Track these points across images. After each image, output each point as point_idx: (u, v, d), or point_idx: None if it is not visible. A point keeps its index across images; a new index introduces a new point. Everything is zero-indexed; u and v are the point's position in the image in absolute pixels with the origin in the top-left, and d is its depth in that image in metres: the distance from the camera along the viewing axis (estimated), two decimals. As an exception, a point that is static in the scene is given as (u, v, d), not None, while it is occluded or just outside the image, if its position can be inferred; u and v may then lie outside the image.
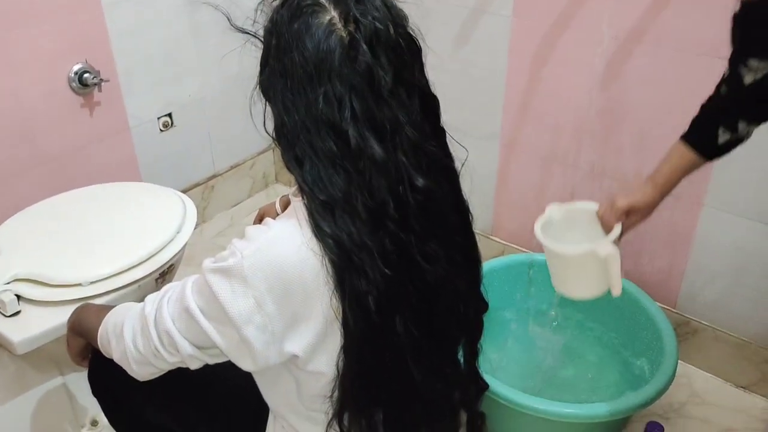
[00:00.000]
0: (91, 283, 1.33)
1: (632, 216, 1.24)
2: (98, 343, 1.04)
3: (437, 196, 0.87)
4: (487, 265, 1.75)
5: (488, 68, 1.79)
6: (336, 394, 0.90)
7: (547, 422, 1.40)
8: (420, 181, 0.84)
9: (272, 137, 0.87)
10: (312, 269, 0.82)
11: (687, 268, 1.70)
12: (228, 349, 0.86)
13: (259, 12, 0.89)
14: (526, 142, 1.83)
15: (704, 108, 1.15)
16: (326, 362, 0.88)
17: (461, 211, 0.96)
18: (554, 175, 1.81)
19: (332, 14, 0.81)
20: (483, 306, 1.05)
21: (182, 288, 0.90)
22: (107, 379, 1.13)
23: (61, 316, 1.25)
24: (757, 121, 1.09)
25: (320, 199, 0.81)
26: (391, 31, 0.82)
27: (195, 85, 2.10)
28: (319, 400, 0.93)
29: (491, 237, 2.02)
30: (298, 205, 0.86)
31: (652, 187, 1.21)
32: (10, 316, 1.28)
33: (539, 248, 2.02)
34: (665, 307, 1.72)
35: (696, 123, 1.16)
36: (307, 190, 0.82)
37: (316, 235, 0.82)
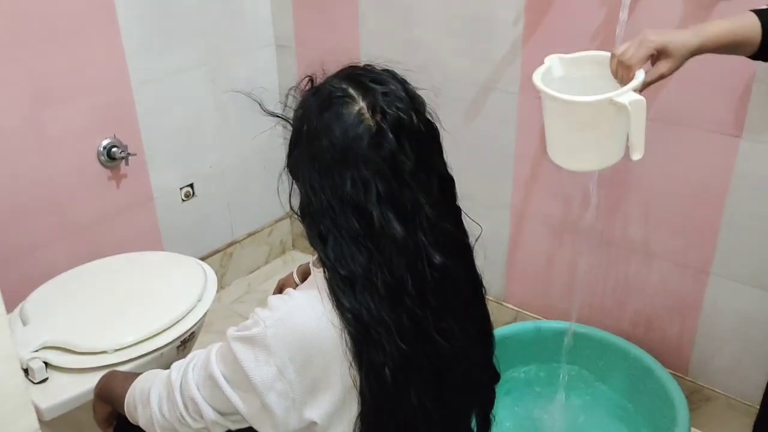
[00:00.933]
0: (116, 350, 1.37)
1: (661, 60, 1.03)
2: (125, 409, 1.08)
3: (453, 272, 0.91)
4: (498, 332, 1.77)
5: (498, 141, 1.86)
6: None
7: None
8: (438, 259, 0.89)
9: (297, 215, 0.92)
10: (331, 340, 0.86)
11: (697, 335, 1.72)
12: (250, 416, 0.90)
13: (289, 97, 0.96)
14: (536, 212, 1.88)
15: None
16: (344, 430, 0.91)
17: (475, 285, 1.00)
18: (564, 243, 1.86)
19: (361, 105, 0.87)
20: (495, 377, 1.09)
21: (207, 356, 0.94)
22: (131, 445, 1.16)
23: (87, 383, 1.30)
24: None
25: (342, 274, 0.86)
26: (414, 119, 0.88)
27: (215, 157, 2.19)
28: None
29: (503, 303, 2.05)
30: (318, 276, 0.91)
31: (694, 33, 1.02)
32: (38, 383, 1.32)
33: (550, 314, 2.06)
34: (677, 374, 1.73)
35: None
36: (329, 265, 0.87)
37: (336, 308, 0.87)
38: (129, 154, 1.86)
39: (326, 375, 0.87)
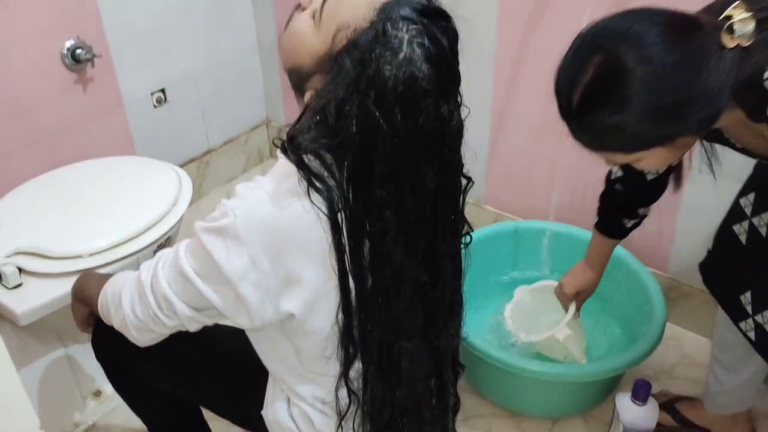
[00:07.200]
0: (91, 254, 1.35)
1: (581, 295, 1.49)
2: (99, 311, 1.07)
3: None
4: (479, 233, 1.77)
5: (478, 38, 1.80)
6: (340, 352, 0.92)
7: (538, 382, 1.44)
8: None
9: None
10: (305, 229, 0.84)
11: (676, 233, 1.73)
12: (225, 308, 0.89)
13: None
14: (516, 111, 1.85)
15: (605, 202, 1.36)
16: (323, 321, 0.90)
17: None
18: (544, 143, 1.83)
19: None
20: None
21: (175, 252, 0.91)
22: (110, 344, 1.15)
23: (62, 288, 1.29)
24: (654, 201, 1.32)
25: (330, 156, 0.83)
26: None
27: (187, 61, 2.11)
28: (316, 361, 0.95)
29: (483, 206, 2.04)
30: (285, 163, 0.85)
31: (591, 269, 1.46)
32: (12, 288, 1.30)
33: (529, 215, 2.06)
34: (657, 272, 1.75)
35: (602, 216, 1.38)
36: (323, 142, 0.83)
37: (309, 195, 0.83)
38: (94, 55, 1.78)
39: (301, 265, 0.85)
